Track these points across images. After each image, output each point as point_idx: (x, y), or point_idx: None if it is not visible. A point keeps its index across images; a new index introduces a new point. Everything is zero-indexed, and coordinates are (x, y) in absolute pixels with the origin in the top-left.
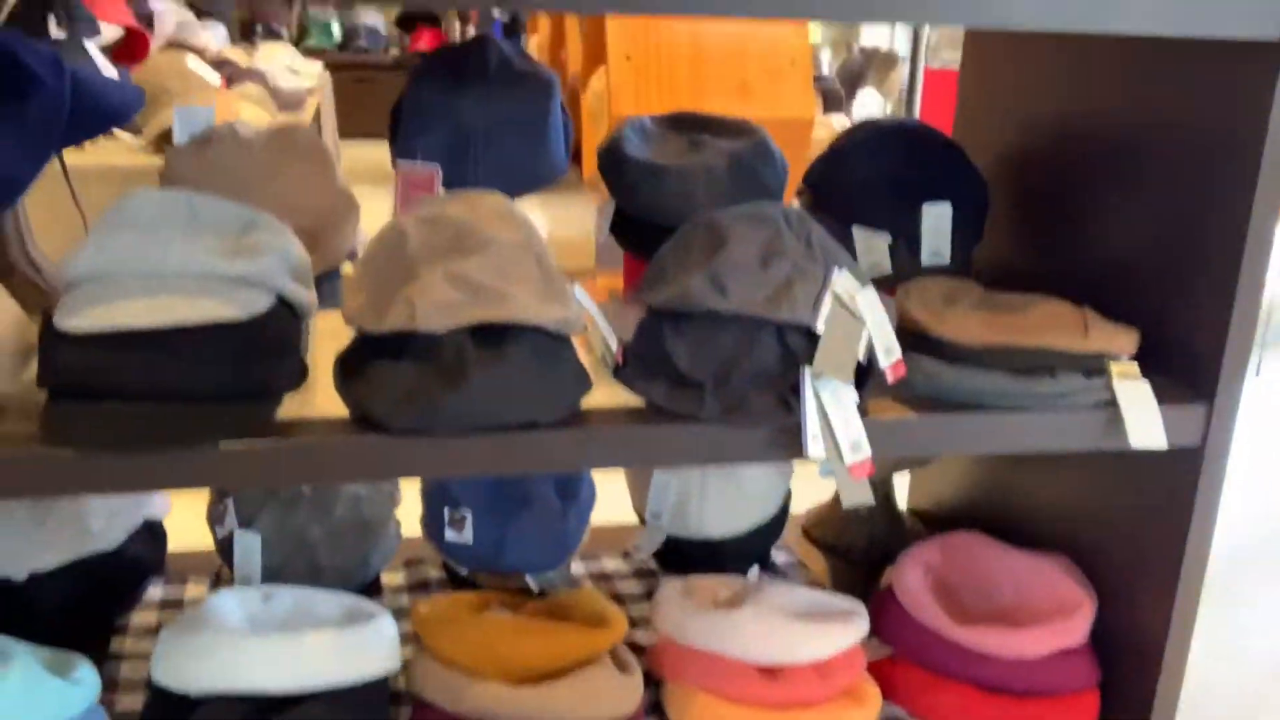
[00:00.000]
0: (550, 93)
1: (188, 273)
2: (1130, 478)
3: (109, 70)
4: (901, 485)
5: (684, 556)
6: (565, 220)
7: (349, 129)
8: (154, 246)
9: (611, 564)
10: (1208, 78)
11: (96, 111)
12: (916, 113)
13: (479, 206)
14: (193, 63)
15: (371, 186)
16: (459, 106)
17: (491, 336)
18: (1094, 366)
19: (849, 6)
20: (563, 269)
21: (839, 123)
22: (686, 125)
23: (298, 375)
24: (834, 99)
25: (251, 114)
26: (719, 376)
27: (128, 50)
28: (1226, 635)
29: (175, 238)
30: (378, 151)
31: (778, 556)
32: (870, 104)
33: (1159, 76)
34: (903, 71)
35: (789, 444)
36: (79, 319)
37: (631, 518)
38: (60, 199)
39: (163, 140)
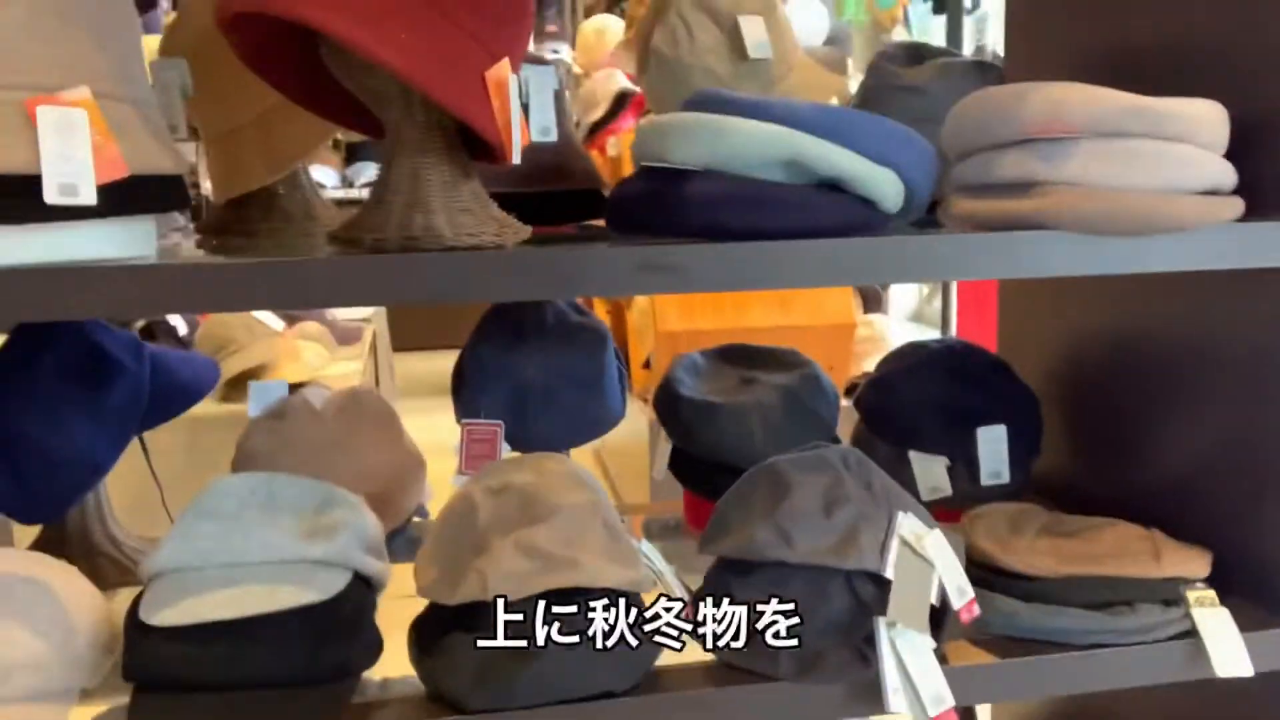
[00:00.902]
0: (604, 345)
1: (268, 559)
2: (1221, 697)
3: (174, 316)
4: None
5: None
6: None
7: (404, 341)
8: (235, 535)
9: None
10: (1266, 291)
11: (173, 391)
12: (954, 288)
13: (545, 472)
14: (256, 310)
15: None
16: (518, 365)
17: (563, 603)
18: (1170, 595)
19: (885, 269)
20: (620, 503)
21: (880, 322)
22: (736, 359)
23: (374, 652)
24: (873, 297)
25: (312, 353)
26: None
27: None
28: None
29: (255, 523)
30: (433, 362)
31: None
32: (907, 288)
33: (1212, 288)
34: None
35: (869, 699)
36: (164, 613)
37: None
38: (136, 466)
39: (229, 387)
